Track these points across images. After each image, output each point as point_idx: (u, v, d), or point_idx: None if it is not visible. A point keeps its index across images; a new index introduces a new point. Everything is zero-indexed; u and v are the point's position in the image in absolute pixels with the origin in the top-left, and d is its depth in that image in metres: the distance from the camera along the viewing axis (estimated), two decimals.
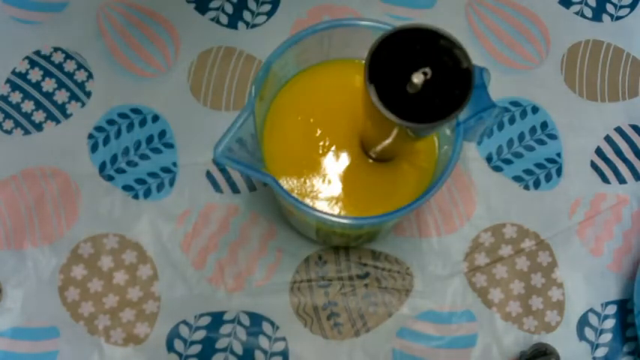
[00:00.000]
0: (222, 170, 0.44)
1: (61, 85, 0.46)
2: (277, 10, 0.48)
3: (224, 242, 0.43)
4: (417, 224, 0.44)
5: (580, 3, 0.49)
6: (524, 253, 0.44)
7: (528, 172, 0.45)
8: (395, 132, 0.29)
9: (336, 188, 0.35)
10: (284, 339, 0.42)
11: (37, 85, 0.46)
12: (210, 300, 0.42)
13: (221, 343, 0.42)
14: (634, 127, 0.47)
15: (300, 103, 0.36)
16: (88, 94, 0.46)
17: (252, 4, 0.48)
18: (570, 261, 0.44)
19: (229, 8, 0.48)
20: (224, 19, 0.47)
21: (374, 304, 0.42)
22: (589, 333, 0.43)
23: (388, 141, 0.31)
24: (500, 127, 0.46)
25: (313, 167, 0.35)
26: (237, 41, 0.47)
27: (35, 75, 0.46)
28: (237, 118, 0.30)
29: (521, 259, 0.44)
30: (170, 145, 0.45)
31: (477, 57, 0.47)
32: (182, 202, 0.44)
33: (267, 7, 0.48)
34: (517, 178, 0.45)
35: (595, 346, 0.43)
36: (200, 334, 0.42)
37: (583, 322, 0.43)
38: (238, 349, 0.41)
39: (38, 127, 0.45)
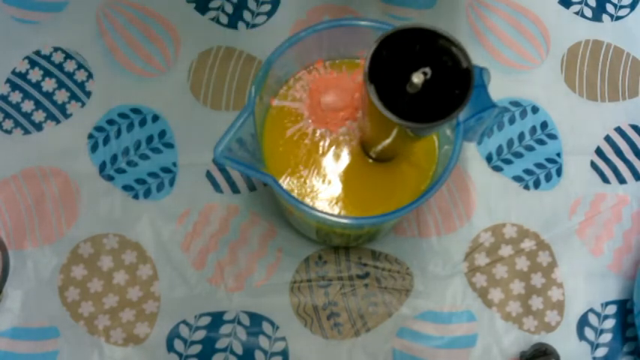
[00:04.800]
0: (222, 170, 0.44)
1: (61, 85, 0.46)
2: (277, 10, 0.48)
3: (224, 242, 0.43)
4: (417, 224, 0.44)
5: (580, 3, 0.49)
6: (524, 253, 0.44)
7: (528, 172, 0.45)
8: (395, 132, 0.29)
9: (336, 188, 0.35)
10: (284, 339, 0.42)
11: (37, 85, 0.46)
12: (210, 300, 0.42)
13: (221, 343, 0.42)
14: (634, 127, 0.47)
15: (299, 103, 0.36)
16: (88, 94, 0.46)
17: (252, 4, 0.48)
18: (570, 261, 0.44)
19: (229, 8, 0.48)
20: (224, 19, 0.47)
21: (374, 304, 0.42)
22: (589, 333, 0.43)
23: (388, 141, 0.31)
24: (500, 127, 0.46)
25: (313, 167, 0.35)
26: (237, 41, 0.47)
27: (35, 75, 0.46)
28: (237, 118, 0.30)
29: (521, 259, 0.44)
30: (170, 145, 0.45)
31: (477, 57, 0.47)
32: (182, 202, 0.44)
33: (267, 7, 0.48)
34: (517, 178, 0.45)
35: (595, 346, 0.43)
36: (200, 334, 0.42)
37: (583, 322, 0.43)
38: (238, 349, 0.41)
39: (38, 127, 0.45)
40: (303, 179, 0.35)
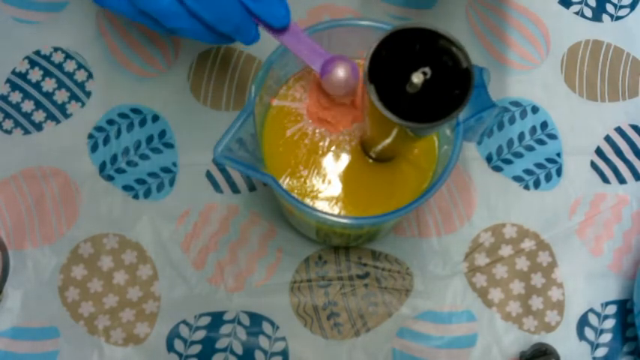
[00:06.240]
0: (222, 170, 0.44)
1: (61, 85, 0.46)
2: None
3: (224, 242, 0.43)
4: (417, 224, 0.44)
5: (580, 3, 0.49)
6: (524, 253, 0.44)
7: (528, 172, 0.45)
8: (395, 132, 0.29)
9: (336, 188, 0.35)
10: (284, 339, 0.42)
11: (37, 85, 0.46)
12: (210, 300, 0.42)
13: (221, 343, 0.42)
14: (634, 127, 0.47)
15: (299, 103, 0.36)
16: (88, 94, 0.46)
17: None
18: (570, 261, 0.44)
19: None
20: None
21: (374, 304, 0.42)
22: (589, 333, 0.43)
23: (388, 141, 0.31)
24: (500, 127, 0.46)
25: (313, 167, 0.35)
26: (237, 41, 0.47)
27: (35, 75, 0.46)
28: (237, 118, 0.30)
29: (521, 259, 0.43)
30: (170, 145, 0.45)
31: (476, 57, 0.47)
32: (182, 202, 0.44)
33: None
34: (517, 178, 0.45)
35: (595, 346, 0.43)
36: (200, 334, 0.42)
37: (583, 322, 0.43)
38: (238, 349, 0.41)
39: (38, 127, 0.45)
40: (303, 179, 0.35)
